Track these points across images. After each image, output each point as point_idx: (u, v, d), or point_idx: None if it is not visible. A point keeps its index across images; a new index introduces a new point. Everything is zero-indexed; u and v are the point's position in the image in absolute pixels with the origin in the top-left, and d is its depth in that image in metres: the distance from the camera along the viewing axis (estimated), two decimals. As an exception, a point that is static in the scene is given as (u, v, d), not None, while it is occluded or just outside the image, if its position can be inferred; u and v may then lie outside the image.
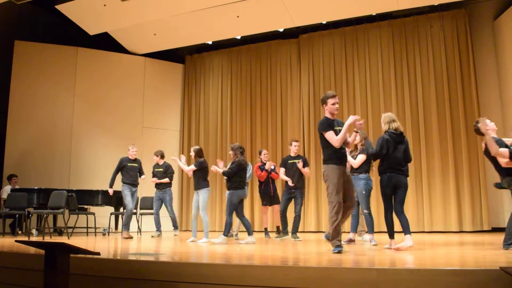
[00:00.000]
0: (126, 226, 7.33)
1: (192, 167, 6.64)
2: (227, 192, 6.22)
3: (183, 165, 6.89)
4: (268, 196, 7.37)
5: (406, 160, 4.75)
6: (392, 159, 4.67)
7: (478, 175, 8.50)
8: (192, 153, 6.77)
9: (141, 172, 7.74)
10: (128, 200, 7.38)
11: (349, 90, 9.75)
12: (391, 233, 4.68)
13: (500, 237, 6.34)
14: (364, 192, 5.55)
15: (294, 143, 6.97)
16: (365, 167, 5.63)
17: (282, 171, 6.87)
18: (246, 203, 9.66)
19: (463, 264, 3.35)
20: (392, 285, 2.79)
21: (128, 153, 7.68)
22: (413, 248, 4.52)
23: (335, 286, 2.91)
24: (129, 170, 7.52)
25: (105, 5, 8.64)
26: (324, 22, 9.84)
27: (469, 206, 8.42)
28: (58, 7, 8.81)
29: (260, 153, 7.58)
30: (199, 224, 7.94)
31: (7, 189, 8.79)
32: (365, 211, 5.55)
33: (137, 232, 8.91)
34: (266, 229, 7.62)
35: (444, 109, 8.91)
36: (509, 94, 8.41)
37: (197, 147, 6.92)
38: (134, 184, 7.54)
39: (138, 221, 8.79)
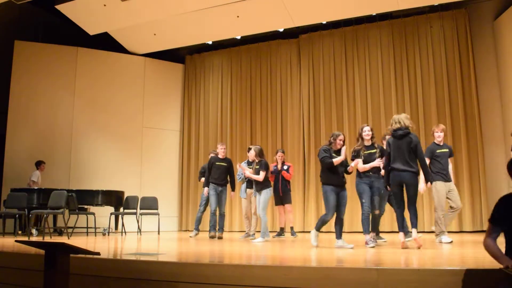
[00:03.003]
0: (212, 227, 7.18)
1: (262, 174, 6.44)
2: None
3: (251, 175, 6.61)
4: (277, 196, 7.42)
5: (412, 157, 4.77)
6: (393, 158, 4.81)
7: (478, 175, 8.50)
8: (253, 153, 6.64)
9: (231, 174, 7.38)
10: (212, 200, 7.21)
11: (349, 90, 9.75)
12: (401, 226, 4.85)
13: (500, 237, 6.33)
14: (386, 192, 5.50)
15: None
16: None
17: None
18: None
19: (463, 264, 3.35)
20: (392, 285, 2.79)
21: (217, 151, 7.47)
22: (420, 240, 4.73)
23: (335, 286, 2.91)
24: (216, 169, 7.29)
25: (105, 5, 8.64)
26: (324, 22, 9.84)
27: (469, 206, 8.42)
28: (58, 7, 8.81)
29: (276, 154, 7.59)
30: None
31: (37, 173, 9.00)
32: (378, 211, 5.46)
33: (137, 232, 8.91)
34: (282, 228, 7.58)
35: (444, 109, 8.90)
36: (509, 94, 8.41)
37: (258, 146, 6.77)
38: (219, 183, 7.23)
39: (138, 221, 8.79)
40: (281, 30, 10.00)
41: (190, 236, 7.85)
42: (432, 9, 9.18)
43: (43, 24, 10.67)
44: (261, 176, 6.43)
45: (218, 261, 3.62)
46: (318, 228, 5.15)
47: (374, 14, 9.29)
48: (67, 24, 9.63)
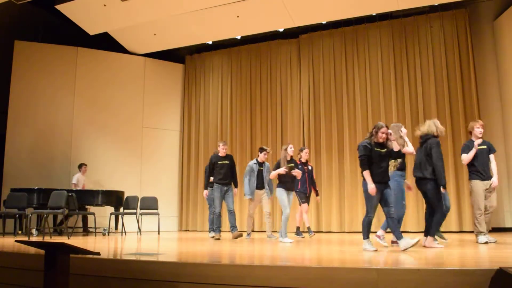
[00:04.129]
0: (218, 229, 7.00)
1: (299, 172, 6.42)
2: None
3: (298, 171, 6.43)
4: (304, 195, 7.22)
5: (426, 163, 4.82)
6: (414, 165, 5.02)
7: (478, 175, 8.49)
8: (292, 150, 6.59)
9: (233, 171, 7.19)
10: (217, 202, 6.96)
11: (349, 90, 9.76)
12: (426, 230, 5.00)
13: (500, 237, 6.34)
14: None
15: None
16: None
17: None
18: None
19: (463, 264, 3.35)
20: (392, 285, 2.79)
21: (218, 149, 7.21)
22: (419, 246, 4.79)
23: (335, 286, 2.91)
24: (219, 168, 7.03)
25: (105, 5, 8.64)
26: (324, 22, 9.84)
27: (469, 206, 8.40)
28: (58, 7, 8.82)
29: (300, 151, 7.40)
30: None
31: (77, 176, 9.19)
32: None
33: (137, 232, 8.91)
34: (298, 228, 7.51)
35: (444, 109, 8.91)
36: (509, 94, 8.42)
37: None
38: (225, 183, 7.01)
39: (138, 221, 8.79)
40: (281, 30, 10.00)
41: (214, 237, 7.47)
42: (432, 9, 9.18)
43: (43, 24, 10.67)
44: (299, 174, 6.41)
45: (218, 261, 3.62)
46: (367, 235, 4.52)
47: (374, 14, 9.30)
48: (67, 24, 9.63)
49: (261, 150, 7.22)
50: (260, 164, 7.14)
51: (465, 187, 8.53)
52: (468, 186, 8.47)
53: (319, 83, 10.05)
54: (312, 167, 7.48)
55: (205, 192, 7.26)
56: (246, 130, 10.68)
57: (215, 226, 7.11)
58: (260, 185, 7.06)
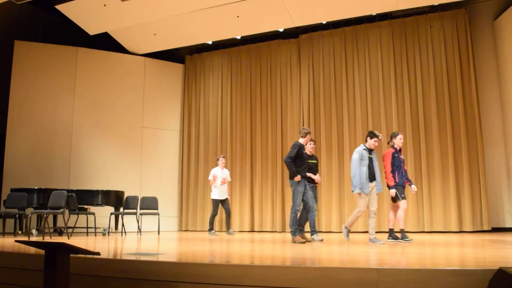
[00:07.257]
0: (299, 230, 6.12)
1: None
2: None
3: None
4: (403, 189, 6.02)
5: None
6: None
7: (478, 175, 8.50)
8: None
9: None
10: (300, 198, 6.02)
11: (349, 90, 9.76)
12: None
13: (500, 237, 6.33)
14: None
15: None
16: None
17: None
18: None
19: (463, 264, 3.34)
20: (392, 285, 2.78)
21: (305, 145, 6.38)
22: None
23: (335, 286, 2.91)
24: (307, 160, 6.29)
25: (105, 5, 8.65)
26: (324, 22, 9.84)
27: (469, 206, 8.42)
28: (58, 7, 8.82)
29: (394, 137, 6.21)
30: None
31: (214, 171, 8.47)
32: None
33: (137, 232, 8.91)
34: (391, 230, 6.12)
35: (444, 109, 8.91)
36: (509, 94, 8.42)
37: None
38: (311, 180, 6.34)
39: (138, 221, 8.79)
40: (281, 30, 10.01)
41: (315, 239, 6.40)
42: (432, 9, 9.19)
43: (43, 24, 10.68)
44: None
45: (218, 261, 3.62)
46: None
47: (374, 14, 9.30)
48: (67, 24, 9.63)
49: (372, 135, 5.98)
50: (370, 151, 6.01)
51: (464, 187, 8.53)
52: (468, 186, 8.48)
53: (319, 83, 10.05)
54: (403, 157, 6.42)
55: (299, 176, 6.04)
56: (246, 130, 10.68)
57: (296, 226, 6.06)
58: (371, 176, 5.91)
